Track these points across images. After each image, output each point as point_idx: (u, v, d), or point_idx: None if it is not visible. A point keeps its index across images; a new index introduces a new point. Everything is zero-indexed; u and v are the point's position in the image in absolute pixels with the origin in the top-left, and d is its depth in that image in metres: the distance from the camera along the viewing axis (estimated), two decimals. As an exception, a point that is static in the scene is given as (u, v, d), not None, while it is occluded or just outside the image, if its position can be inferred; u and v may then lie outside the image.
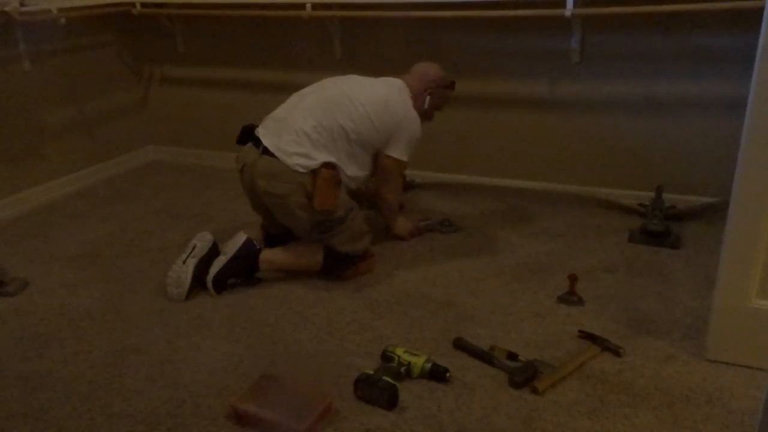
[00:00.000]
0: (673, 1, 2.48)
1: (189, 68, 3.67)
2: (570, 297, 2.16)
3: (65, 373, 1.86)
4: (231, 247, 2.28)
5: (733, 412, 1.63)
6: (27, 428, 1.65)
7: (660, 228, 2.56)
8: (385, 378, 1.69)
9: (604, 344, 1.90)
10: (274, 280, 2.35)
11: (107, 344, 2.00)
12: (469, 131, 3.15)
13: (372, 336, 2.00)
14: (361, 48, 3.23)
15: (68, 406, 1.72)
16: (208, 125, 3.71)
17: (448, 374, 1.77)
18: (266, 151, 2.23)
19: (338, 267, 2.33)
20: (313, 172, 2.20)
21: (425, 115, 2.56)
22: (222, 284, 2.26)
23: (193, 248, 2.27)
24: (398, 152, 2.40)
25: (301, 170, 2.19)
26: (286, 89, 2.52)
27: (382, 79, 2.47)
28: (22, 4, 2.88)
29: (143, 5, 3.41)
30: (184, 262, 2.24)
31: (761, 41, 1.51)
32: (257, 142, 2.28)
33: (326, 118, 2.25)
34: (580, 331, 1.98)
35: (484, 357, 1.86)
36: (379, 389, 1.67)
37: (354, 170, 2.32)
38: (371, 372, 1.73)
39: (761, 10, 1.54)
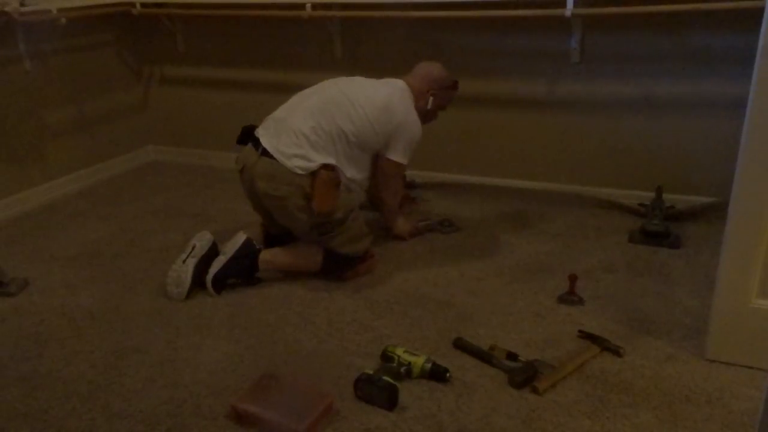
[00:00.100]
0: (673, 1, 2.48)
1: (189, 68, 3.67)
2: (570, 297, 2.16)
3: (65, 373, 1.86)
4: (230, 247, 2.28)
5: (733, 412, 1.63)
6: (27, 428, 1.65)
7: (660, 228, 2.56)
8: (385, 378, 1.69)
9: (604, 344, 1.90)
10: (274, 280, 2.35)
11: (107, 344, 2.00)
12: (469, 131, 3.15)
13: (372, 336, 2.00)
14: (361, 48, 3.23)
15: (68, 406, 1.73)
16: (208, 125, 3.71)
17: (448, 374, 1.77)
18: (265, 153, 2.23)
19: (338, 268, 2.33)
20: (312, 174, 2.19)
21: (428, 116, 2.55)
22: (221, 284, 2.26)
23: (193, 248, 2.28)
24: (398, 155, 2.39)
25: (299, 172, 2.19)
26: (286, 89, 2.52)
27: (383, 81, 2.46)
28: (22, 4, 2.88)
29: (143, 5, 3.41)
30: (184, 262, 2.24)
31: (761, 41, 1.51)
32: (257, 142, 2.27)
33: (325, 119, 2.25)
34: (580, 331, 1.98)
35: (484, 357, 1.86)
36: (379, 389, 1.67)
37: (353, 172, 2.32)
38: (371, 372, 1.73)
39: (761, 10, 1.54)
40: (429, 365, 1.78)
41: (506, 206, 3.00)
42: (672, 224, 2.63)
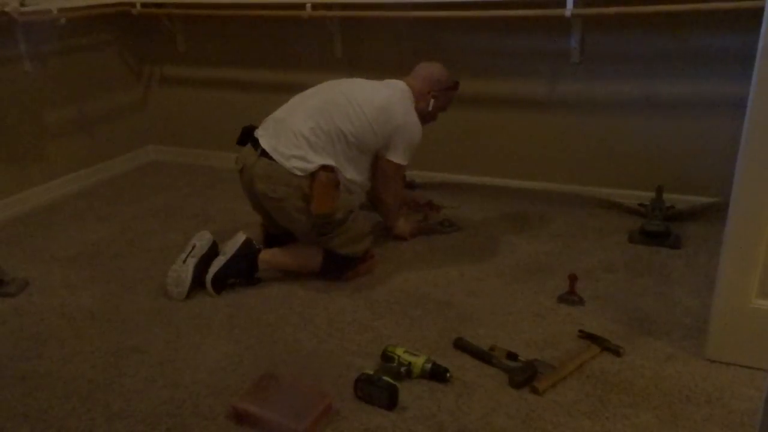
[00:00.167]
0: (673, 1, 2.48)
1: (189, 68, 3.67)
2: (570, 297, 2.16)
3: (65, 373, 1.86)
4: (230, 247, 2.28)
5: (733, 412, 1.63)
6: (27, 428, 1.65)
7: (660, 228, 2.56)
8: (385, 378, 1.69)
9: (604, 344, 1.90)
10: (274, 280, 2.35)
11: (107, 344, 2.00)
12: (469, 131, 3.15)
13: (372, 336, 2.00)
14: (361, 48, 3.23)
15: (68, 406, 1.73)
16: (208, 125, 3.71)
17: (448, 374, 1.77)
18: (264, 153, 2.23)
19: (338, 269, 2.33)
20: (311, 175, 2.19)
21: (429, 117, 2.55)
22: (221, 284, 2.26)
23: (193, 248, 2.28)
24: (397, 156, 2.39)
25: (298, 173, 2.19)
26: (286, 89, 2.52)
27: (384, 82, 2.46)
28: (22, 4, 2.88)
29: (143, 5, 3.41)
30: (184, 262, 2.24)
31: (761, 41, 1.51)
32: (256, 143, 2.27)
33: (325, 120, 2.25)
34: (580, 331, 1.98)
35: (484, 357, 1.86)
36: (379, 389, 1.67)
37: (353, 173, 2.32)
38: (371, 372, 1.73)
39: (761, 10, 1.54)
40: (429, 365, 1.78)
41: (506, 206, 3.00)
42: (672, 224, 2.63)
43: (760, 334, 1.73)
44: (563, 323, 2.05)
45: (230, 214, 2.96)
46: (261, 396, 1.69)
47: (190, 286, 2.23)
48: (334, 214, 2.22)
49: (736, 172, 1.65)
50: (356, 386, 1.72)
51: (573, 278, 2.18)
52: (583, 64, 2.85)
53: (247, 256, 2.29)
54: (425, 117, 2.50)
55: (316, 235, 2.27)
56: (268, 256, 2.33)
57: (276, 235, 2.44)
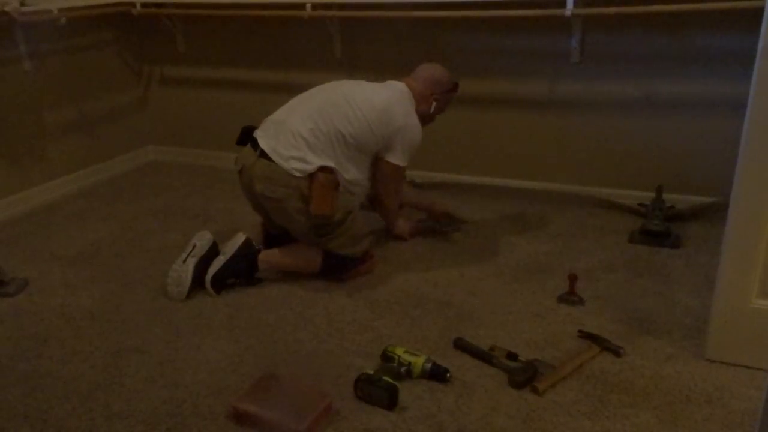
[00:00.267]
0: (673, 1, 2.48)
1: (189, 68, 3.67)
2: (570, 297, 2.16)
3: (65, 373, 1.86)
4: (230, 248, 2.28)
5: (733, 412, 1.63)
6: (27, 428, 1.65)
7: (660, 228, 2.56)
8: (385, 378, 1.69)
9: (604, 344, 1.90)
10: (274, 280, 2.35)
11: (107, 344, 2.00)
12: (469, 131, 3.15)
13: (372, 336, 2.00)
14: (361, 48, 3.23)
15: (68, 406, 1.73)
16: (208, 125, 3.71)
17: (448, 374, 1.77)
18: (264, 154, 2.22)
19: (337, 269, 2.33)
20: (310, 176, 2.19)
21: (428, 119, 2.55)
22: (221, 284, 2.26)
23: (193, 248, 2.28)
24: (397, 158, 2.38)
25: (297, 174, 2.18)
26: (286, 89, 2.52)
27: (384, 84, 2.45)
28: (22, 4, 2.88)
29: (143, 5, 3.41)
30: (184, 262, 2.24)
31: (761, 41, 1.51)
32: (255, 144, 2.27)
33: (324, 121, 2.24)
34: (580, 331, 1.98)
35: (484, 357, 1.86)
36: (379, 389, 1.67)
37: (353, 174, 2.31)
38: (371, 372, 1.73)
39: (761, 10, 1.54)
40: (429, 365, 1.78)
41: (506, 206, 3.00)
42: (672, 224, 2.63)
43: (760, 334, 1.73)
44: (563, 323, 2.05)
45: (230, 214, 2.96)
46: (261, 396, 1.69)
47: (190, 286, 2.23)
48: (333, 215, 2.22)
49: (736, 172, 1.65)
50: (356, 386, 1.72)
51: (573, 278, 2.18)
52: (583, 64, 2.85)
53: (246, 256, 2.29)
54: (425, 119, 2.50)
55: (316, 236, 2.27)
56: (267, 256, 2.33)
57: (276, 236, 2.44)
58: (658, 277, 2.31)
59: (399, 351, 1.83)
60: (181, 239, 2.61)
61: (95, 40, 3.49)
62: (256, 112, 2.54)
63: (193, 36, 3.58)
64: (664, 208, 2.65)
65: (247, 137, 2.35)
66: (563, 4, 2.60)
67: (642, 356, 1.86)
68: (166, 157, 3.87)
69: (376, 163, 2.40)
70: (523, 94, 3.01)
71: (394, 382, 1.69)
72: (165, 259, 2.48)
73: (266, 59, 3.45)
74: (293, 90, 2.43)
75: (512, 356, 1.84)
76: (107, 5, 3.33)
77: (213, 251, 2.30)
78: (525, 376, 1.75)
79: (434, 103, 2.49)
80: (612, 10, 2.61)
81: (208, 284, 2.23)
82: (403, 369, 1.78)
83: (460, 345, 1.92)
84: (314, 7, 3.02)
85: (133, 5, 3.39)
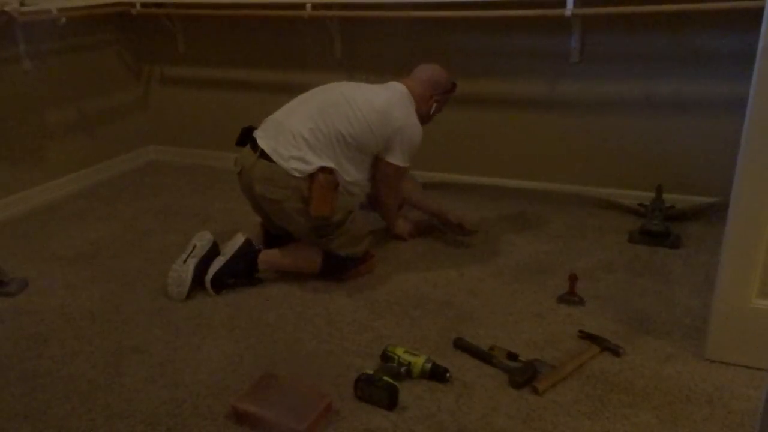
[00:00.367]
0: (673, 1, 2.48)
1: (189, 68, 3.67)
2: (570, 297, 2.17)
3: (65, 373, 1.86)
4: (230, 248, 2.28)
5: (733, 412, 1.63)
6: (27, 428, 1.65)
7: (660, 228, 2.56)
8: (385, 378, 1.69)
9: (604, 344, 1.90)
10: (274, 280, 2.35)
11: (107, 344, 2.00)
12: (469, 131, 3.15)
13: (372, 336, 2.00)
14: (361, 48, 3.23)
15: (68, 405, 1.72)
16: (208, 125, 3.71)
17: (448, 374, 1.77)
18: (263, 155, 2.22)
19: (337, 270, 2.33)
20: (310, 177, 2.19)
21: (427, 120, 2.54)
22: (220, 284, 2.26)
23: (194, 248, 2.28)
24: (397, 158, 2.38)
25: (297, 175, 2.18)
26: (286, 89, 2.52)
27: (384, 85, 2.45)
28: (22, 4, 2.88)
29: (143, 5, 3.41)
30: (184, 262, 2.24)
31: (761, 41, 1.51)
32: (255, 144, 2.27)
33: (324, 122, 2.24)
34: (580, 331, 1.98)
35: (484, 357, 1.86)
36: (379, 389, 1.67)
37: (353, 174, 2.31)
38: (371, 372, 1.73)
39: (761, 10, 1.54)
40: (429, 365, 1.78)
41: (506, 206, 3.00)
42: (672, 224, 2.63)
43: (760, 334, 1.74)
44: (563, 323, 2.05)
45: (230, 214, 2.96)
46: (261, 396, 1.69)
47: (190, 286, 2.23)
48: (332, 216, 2.22)
49: (736, 172, 1.65)
50: (356, 386, 1.72)
51: (573, 278, 2.18)
52: (583, 63, 2.85)
53: (246, 256, 2.29)
54: (424, 120, 2.50)
55: (316, 237, 2.27)
56: (267, 256, 2.33)
57: (276, 236, 2.44)
58: (658, 277, 2.31)
59: (399, 351, 1.83)
60: (181, 239, 2.61)
61: (95, 40, 3.49)
62: (256, 112, 2.54)
63: (193, 36, 3.58)
64: (664, 208, 2.65)
65: (246, 138, 2.34)
66: (563, 4, 2.60)
67: (642, 356, 1.86)
68: (166, 157, 3.87)
69: (377, 163, 2.40)
70: (522, 94, 3.01)
71: (394, 382, 1.69)
72: (165, 259, 2.48)
73: (266, 59, 3.45)
74: (293, 90, 2.43)
75: (512, 356, 1.84)
76: (107, 5, 3.33)
77: (213, 251, 2.30)
78: (525, 376, 1.75)
79: (434, 105, 2.49)
80: (612, 10, 2.61)
81: (207, 284, 2.23)
82: (403, 369, 1.78)
83: (460, 345, 1.92)
84: (314, 7, 3.02)
85: (133, 5, 3.39)
